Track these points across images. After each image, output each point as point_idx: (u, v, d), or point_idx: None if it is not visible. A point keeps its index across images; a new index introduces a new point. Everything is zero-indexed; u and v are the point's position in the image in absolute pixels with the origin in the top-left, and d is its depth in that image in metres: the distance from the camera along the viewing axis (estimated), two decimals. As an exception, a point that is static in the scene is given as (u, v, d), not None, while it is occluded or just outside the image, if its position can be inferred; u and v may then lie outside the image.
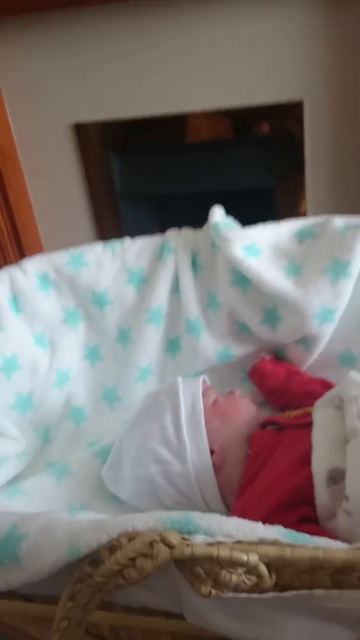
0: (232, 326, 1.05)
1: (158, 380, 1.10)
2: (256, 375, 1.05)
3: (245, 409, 0.95)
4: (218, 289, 1.06)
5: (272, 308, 1.02)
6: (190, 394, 0.93)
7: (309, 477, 0.80)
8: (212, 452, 0.89)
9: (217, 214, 1.04)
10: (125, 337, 1.10)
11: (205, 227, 1.07)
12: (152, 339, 1.08)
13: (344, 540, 0.73)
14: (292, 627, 0.61)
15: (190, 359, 1.06)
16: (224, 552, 0.55)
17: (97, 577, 0.60)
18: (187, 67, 1.54)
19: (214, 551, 0.55)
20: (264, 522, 0.66)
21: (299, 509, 0.79)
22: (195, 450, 0.89)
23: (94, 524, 0.61)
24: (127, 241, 1.10)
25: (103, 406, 1.11)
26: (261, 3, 1.43)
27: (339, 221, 1.00)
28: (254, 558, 0.56)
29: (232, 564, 0.56)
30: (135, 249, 1.09)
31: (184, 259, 1.07)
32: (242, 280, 1.02)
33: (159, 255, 1.08)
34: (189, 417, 0.91)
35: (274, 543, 0.59)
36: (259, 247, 1.02)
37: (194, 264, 1.08)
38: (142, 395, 1.09)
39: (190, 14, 1.47)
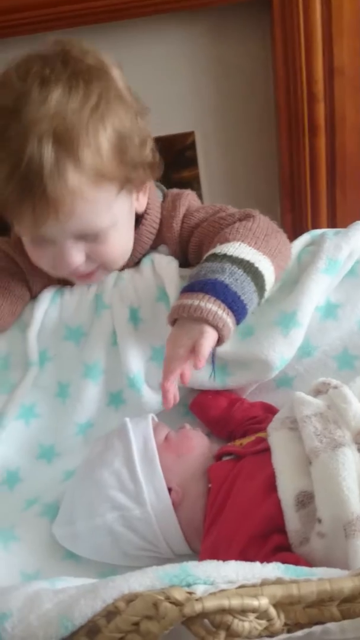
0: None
1: (100, 432, 1.01)
2: (197, 407, 1.03)
3: (199, 442, 0.92)
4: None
5: (223, 365, 0.99)
6: (141, 433, 0.89)
7: (277, 503, 0.78)
8: (170, 490, 0.86)
9: None
10: (64, 392, 1.03)
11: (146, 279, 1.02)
12: (89, 394, 1.02)
13: (319, 564, 0.72)
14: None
15: (135, 411, 1.00)
16: (235, 601, 0.52)
17: (95, 649, 0.55)
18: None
19: (225, 602, 0.52)
20: (240, 558, 0.64)
21: (271, 538, 0.78)
22: (153, 490, 0.85)
23: (84, 590, 0.56)
24: (66, 294, 1.04)
25: (40, 464, 1.03)
26: (148, 42, 1.42)
27: None
28: (264, 602, 0.54)
29: (244, 611, 0.53)
30: (72, 304, 1.03)
31: (120, 314, 1.01)
32: None
33: (94, 309, 1.02)
34: (142, 457, 0.87)
35: (278, 582, 0.57)
36: None
37: (134, 318, 1.02)
38: (83, 448, 1.02)
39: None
